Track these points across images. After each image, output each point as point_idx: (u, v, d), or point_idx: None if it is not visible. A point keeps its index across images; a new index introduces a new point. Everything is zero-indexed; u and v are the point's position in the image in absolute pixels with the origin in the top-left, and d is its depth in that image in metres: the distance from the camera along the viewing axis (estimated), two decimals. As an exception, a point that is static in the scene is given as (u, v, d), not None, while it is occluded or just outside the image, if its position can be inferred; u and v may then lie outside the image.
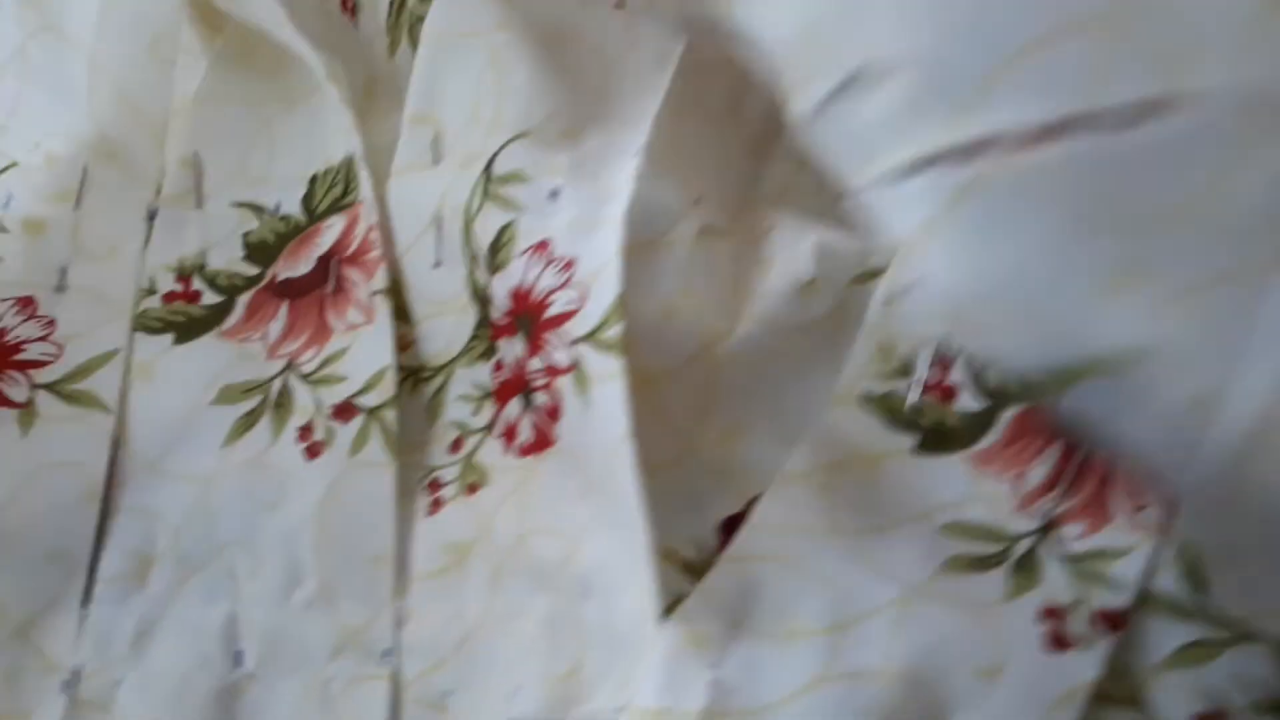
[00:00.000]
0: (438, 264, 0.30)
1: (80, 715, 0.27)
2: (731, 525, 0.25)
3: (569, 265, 0.25)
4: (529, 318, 0.26)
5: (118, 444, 0.29)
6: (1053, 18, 0.16)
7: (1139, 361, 0.16)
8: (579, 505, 0.26)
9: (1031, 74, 0.16)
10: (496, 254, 0.27)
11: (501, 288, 0.27)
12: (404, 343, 0.31)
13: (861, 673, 0.22)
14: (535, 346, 0.26)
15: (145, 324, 0.31)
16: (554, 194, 0.27)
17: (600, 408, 0.24)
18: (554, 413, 0.26)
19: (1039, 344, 0.17)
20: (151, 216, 0.32)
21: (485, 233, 0.28)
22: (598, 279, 0.24)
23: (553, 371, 0.26)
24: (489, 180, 0.28)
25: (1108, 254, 0.16)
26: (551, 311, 0.26)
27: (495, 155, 0.28)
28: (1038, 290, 0.16)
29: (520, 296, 0.27)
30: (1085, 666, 0.22)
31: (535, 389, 0.26)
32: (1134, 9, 0.16)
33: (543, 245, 0.26)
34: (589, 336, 0.24)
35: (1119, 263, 0.16)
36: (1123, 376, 0.16)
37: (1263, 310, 0.16)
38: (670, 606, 0.23)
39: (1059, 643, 0.22)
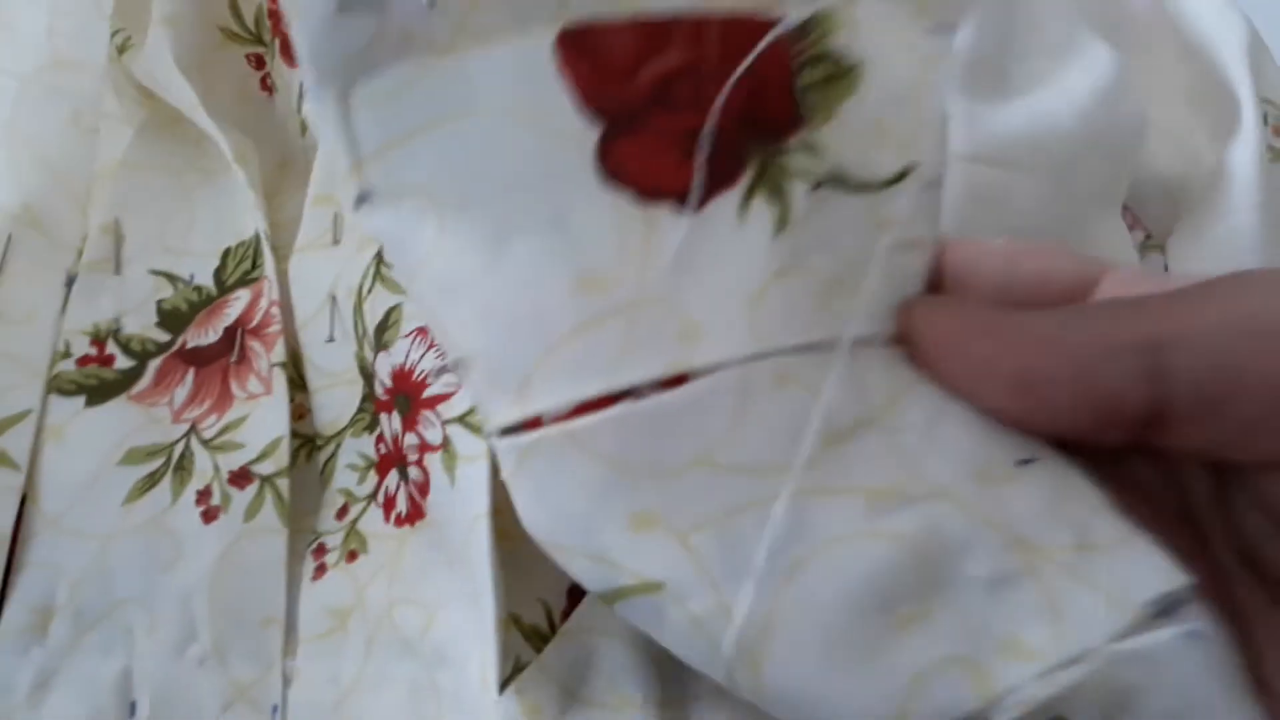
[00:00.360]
0: (330, 339, 0.32)
1: (-23, 762, 0.28)
2: (578, 593, 0.27)
3: None
4: (407, 396, 0.28)
5: (25, 501, 0.31)
6: (577, 318, 0.20)
7: (658, 589, 0.19)
8: (442, 576, 0.28)
9: (564, 364, 0.20)
10: (383, 334, 0.29)
11: (385, 366, 0.29)
12: (300, 411, 0.32)
13: None
14: (410, 423, 0.28)
15: (59, 386, 0.32)
16: None
17: (464, 485, 0.26)
18: (424, 488, 0.28)
19: (591, 572, 0.20)
20: (70, 282, 0.34)
21: (374, 313, 0.30)
22: None
23: (425, 448, 0.28)
24: (380, 263, 0.30)
25: (632, 501, 0.19)
26: (430, 392, 0.28)
27: None
28: (584, 530, 0.20)
29: (401, 376, 0.29)
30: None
31: (409, 464, 0.28)
32: (644, 302, 0.20)
33: (425, 329, 0.28)
34: (461, 418, 0.26)
35: (641, 508, 0.19)
36: (652, 599, 0.20)
37: (758, 539, 0.19)
38: (512, 674, 0.25)
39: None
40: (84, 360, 0.33)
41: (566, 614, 0.26)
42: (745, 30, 0.21)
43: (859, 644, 0.19)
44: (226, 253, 0.34)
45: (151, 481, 0.31)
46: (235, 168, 0.33)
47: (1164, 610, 0.20)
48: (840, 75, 0.22)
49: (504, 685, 0.24)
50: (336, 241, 0.33)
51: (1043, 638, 0.19)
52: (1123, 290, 0.23)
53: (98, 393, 0.32)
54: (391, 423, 0.29)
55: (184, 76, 0.34)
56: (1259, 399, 0.19)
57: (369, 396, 0.31)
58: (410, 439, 0.28)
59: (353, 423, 0.32)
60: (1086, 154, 0.35)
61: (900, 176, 0.22)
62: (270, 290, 0.32)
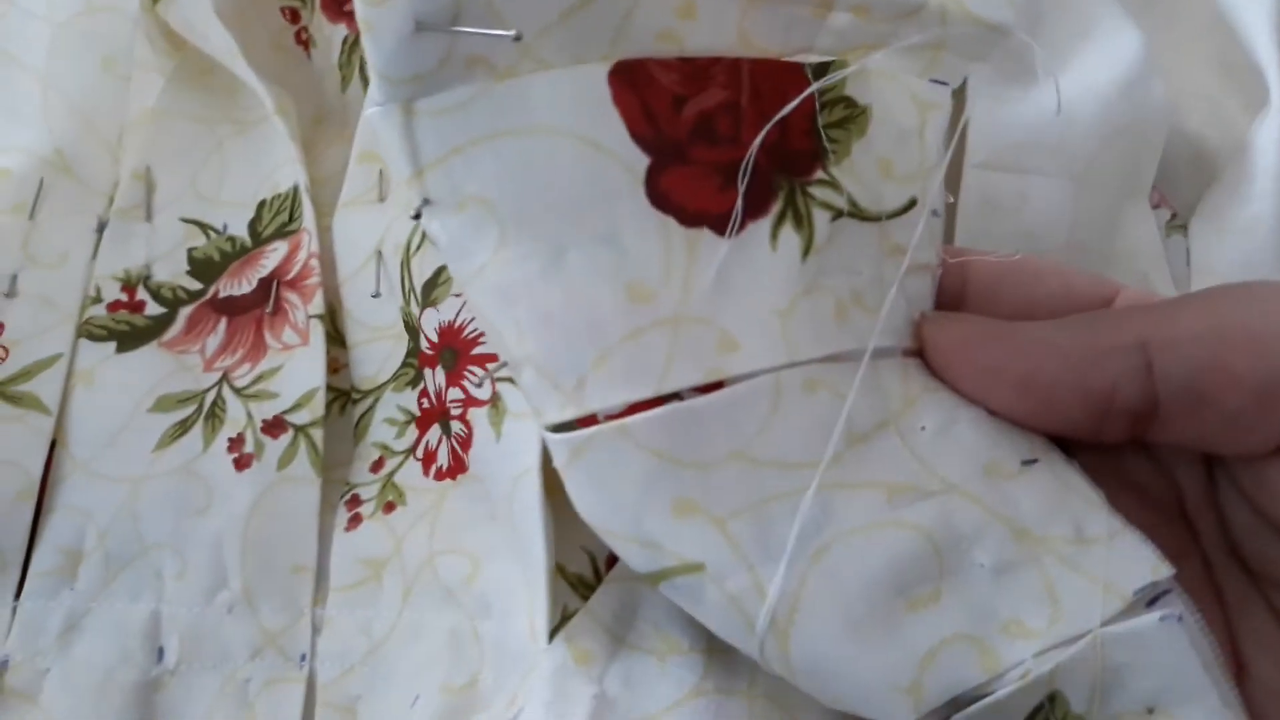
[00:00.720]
0: (377, 294, 0.32)
1: (7, 703, 0.28)
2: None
3: None
4: (454, 351, 0.28)
5: (55, 445, 0.31)
6: (628, 326, 0.22)
7: (699, 570, 0.22)
8: (486, 529, 0.28)
9: (616, 368, 0.22)
10: (431, 291, 0.29)
11: (431, 321, 0.29)
12: (335, 366, 0.33)
13: (731, 690, 0.25)
14: (456, 377, 0.28)
15: (90, 331, 0.32)
16: None
17: (511, 440, 0.26)
18: (466, 442, 0.28)
19: (639, 555, 0.22)
20: (101, 228, 0.34)
21: (422, 270, 0.30)
22: None
23: (470, 403, 0.28)
24: None
25: (675, 489, 0.22)
26: (480, 349, 0.28)
27: None
28: (633, 516, 0.22)
29: (449, 331, 0.29)
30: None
31: (452, 418, 0.28)
32: (688, 318, 0.22)
33: None
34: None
35: (683, 495, 0.22)
36: (693, 579, 0.22)
37: (789, 526, 0.22)
38: (559, 625, 0.25)
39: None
40: (114, 306, 0.33)
41: (611, 562, 0.26)
42: (775, 71, 0.23)
43: (877, 621, 0.21)
44: (262, 204, 0.34)
45: (183, 428, 0.31)
46: (275, 119, 0.33)
47: (1151, 598, 0.22)
48: (853, 117, 0.24)
49: (553, 634, 0.25)
50: (382, 198, 0.33)
51: (1042, 620, 0.22)
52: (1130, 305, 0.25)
53: (128, 338, 0.32)
54: (435, 377, 0.29)
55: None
56: (1237, 395, 0.22)
57: (413, 351, 0.31)
58: (454, 393, 0.28)
59: (395, 377, 0.32)
60: (1109, 147, 0.35)
61: (907, 208, 0.25)
62: (309, 243, 0.32)
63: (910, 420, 0.24)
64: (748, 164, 0.23)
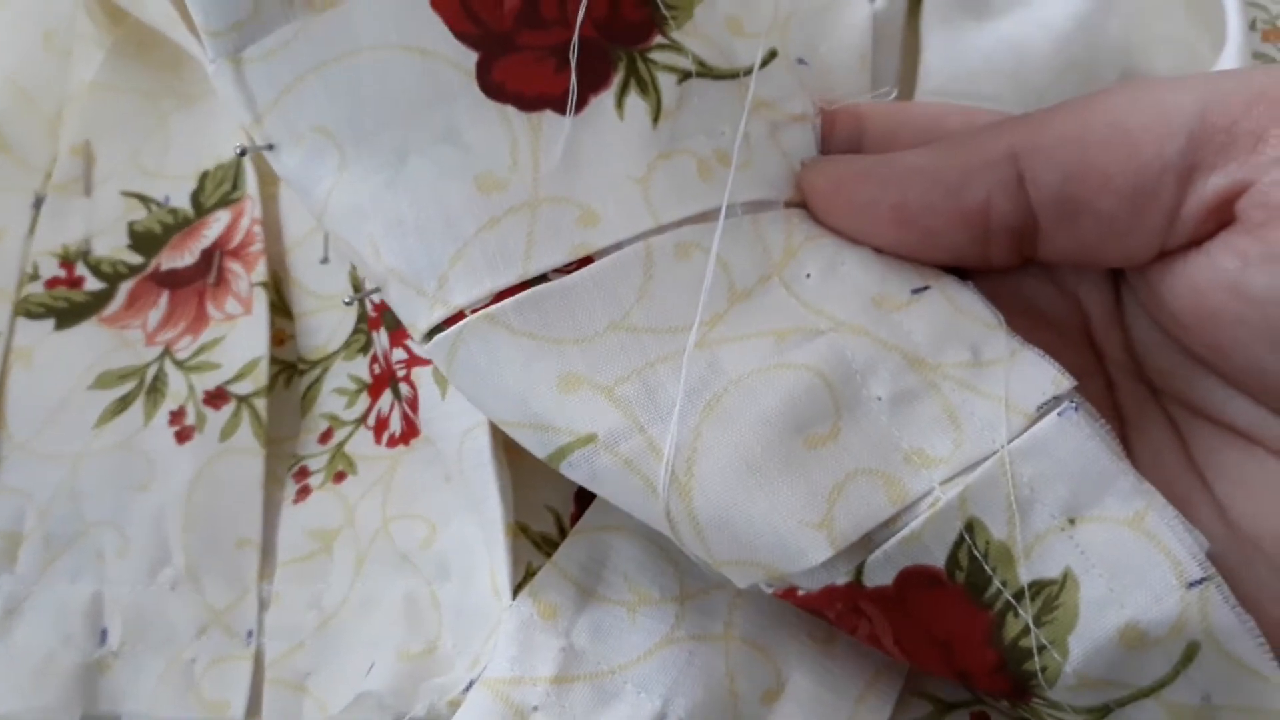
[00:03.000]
0: (324, 260, 0.32)
1: (-56, 691, 0.27)
2: (586, 496, 0.26)
3: None
4: (394, 312, 0.27)
5: (-7, 426, 0.30)
6: (482, 216, 0.22)
7: (591, 440, 0.21)
8: (441, 491, 0.27)
9: (476, 260, 0.22)
10: None
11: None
12: (280, 337, 0.32)
13: (705, 635, 0.24)
14: (398, 338, 0.27)
15: (27, 309, 0.31)
16: None
17: (456, 398, 0.25)
18: (414, 403, 0.27)
19: (534, 438, 0.22)
20: (38, 203, 0.33)
21: None
22: None
23: (414, 362, 0.27)
24: None
25: (557, 366, 0.21)
26: None
27: None
28: (519, 400, 0.21)
29: None
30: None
31: (399, 379, 0.27)
32: (543, 198, 0.22)
33: None
34: None
35: (566, 370, 0.21)
36: (587, 450, 0.21)
37: (676, 383, 0.21)
38: (523, 582, 0.24)
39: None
40: (52, 282, 0.32)
41: (575, 519, 0.25)
42: None
43: (777, 462, 0.21)
44: (204, 175, 0.33)
45: (123, 404, 0.30)
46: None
47: (1054, 411, 0.22)
48: None
49: (516, 591, 0.24)
50: None
51: (945, 446, 0.21)
52: None
53: (67, 315, 0.31)
54: (380, 339, 0.28)
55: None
56: (1110, 197, 0.21)
57: (364, 316, 0.30)
58: (399, 354, 0.27)
59: (346, 345, 0.31)
60: (1061, 80, 0.35)
61: (766, 61, 0.25)
62: (253, 209, 0.32)
63: (793, 270, 0.23)
64: (575, 43, 0.22)
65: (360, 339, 0.31)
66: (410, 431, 0.28)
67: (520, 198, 0.22)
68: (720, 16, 0.24)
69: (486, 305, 0.21)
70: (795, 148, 0.25)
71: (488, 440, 0.24)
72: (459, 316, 0.21)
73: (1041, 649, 0.21)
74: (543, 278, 0.22)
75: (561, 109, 0.22)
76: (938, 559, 0.21)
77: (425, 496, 0.28)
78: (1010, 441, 0.21)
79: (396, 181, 0.22)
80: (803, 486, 0.21)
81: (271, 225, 0.32)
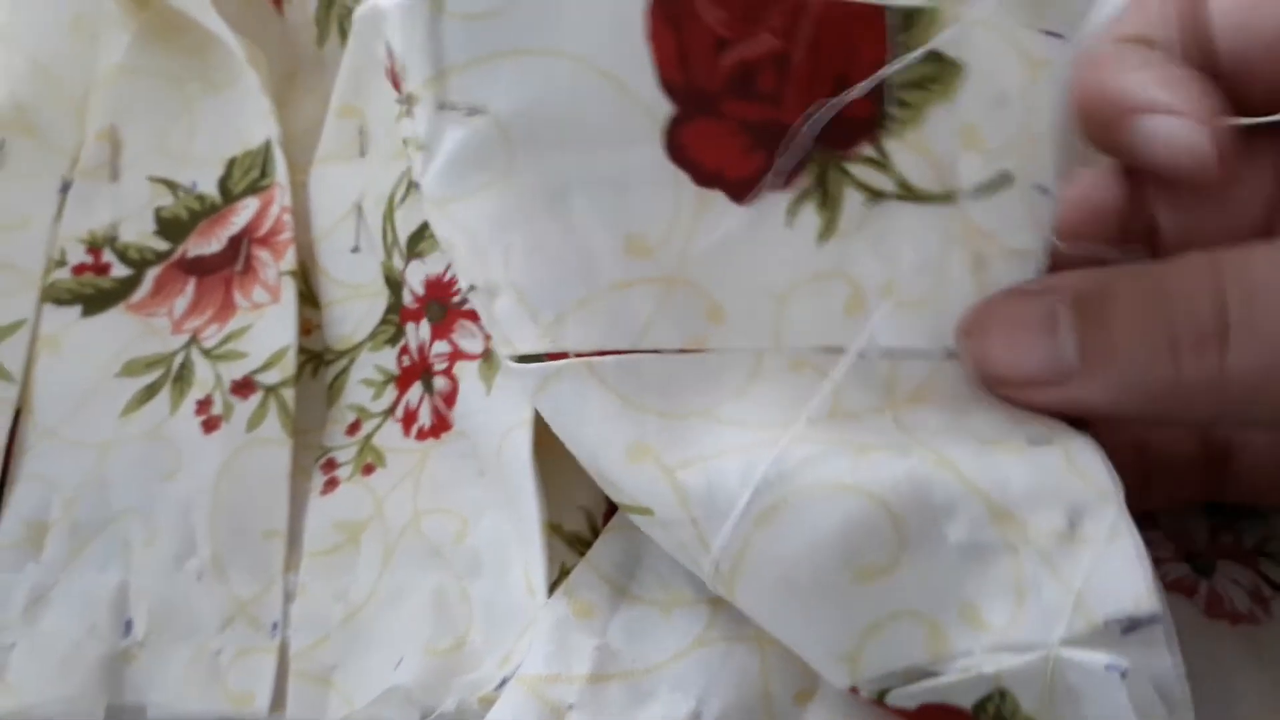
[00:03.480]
0: (355, 249, 0.31)
1: (-30, 679, 0.27)
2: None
3: None
4: (441, 304, 0.27)
5: (19, 413, 0.30)
6: (619, 276, 0.22)
7: (649, 513, 0.21)
8: (473, 486, 0.27)
9: (598, 314, 0.21)
10: (417, 243, 0.28)
11: (417, 274, 0.28)
12: (307, 327, 0.31)
13: (739, 636, 0.24)
14: (443, 330, 0.27)
15: (54, 295, 0.31)
16: None
17: (503, 394, 0.25)
18: (450, 397, 0.27)
19: (602, 484, 0.22)
20: (65, 189, 0.32)
21: (407, 223, 0.29)
22: None
23: (458, 356, 0.26)
24: None
25: (632, 433, 0.21)
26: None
27: None
28: (591, 453, 0.22)
29: (436, 284, 0.28)
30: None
31: (435, 373, 0.27)
32: (681, 280, 0.22)
33: None
34: None
35: (638, 439, 0.21)
36: (647, 520, 0.21)
37: (740, 484, 0.20)
38: (557, 580, 0.24)
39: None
40: (79, 269, 0.31)
41: (608, 518, 0.25)
42: (846, 17, 0.21)
43: (818, 591, 0.20)
44: (232, 161, 0.33)
45: (150, 393, 0.30)
46: (248, 70, 0.32)
47: (1127, 627, 0.20)
48: (939, 76, 0.22)
49: (552, 589, 0.24)
50: (363, 153, 0.31)
51: (1002, 616, 0.20)
52: None
53: (94, 302, 0.31)
54: (419, 331, 0.28)
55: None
56: None
57: (394, 307, 0.30)
58: (440, 347, 0.27)
59: (373, 335, 0.30)
60: None
61: (996, 185, 0.22)
62: (282, 197, 0.31)
63: (913, 414, 0.22)
64: (791, 137, 0.21)
65: (388, 330, 0.30)
66: (440, 425, 0.28)
67: (660, 271, 0.22)
68: (957, 124, 0.22)
69: (590, 355, 0.21)
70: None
71: (528, 440, 0.24)
72: (561, 355, 0.21)
73: None
74: (651, 352, 0.22)
75: (735, 194, 0.22)
76: (964, 703, 0.20)
77: (457, 491, 0.27)
78: (1067, 643, 0.20)
79: (554, 209, 0.21)
80: (838, 619, 0.20)
81: (300, 214, 0.32)
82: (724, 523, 0.20)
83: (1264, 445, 0.24)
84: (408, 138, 0.23)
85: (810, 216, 0.22)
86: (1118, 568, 0.20)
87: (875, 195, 0.22)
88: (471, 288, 0.22)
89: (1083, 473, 0.21)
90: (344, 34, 0.34)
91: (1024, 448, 0.21)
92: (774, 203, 0.22)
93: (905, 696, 0.20)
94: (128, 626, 0.27)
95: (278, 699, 0.27)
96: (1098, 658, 0.19)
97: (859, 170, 0.22)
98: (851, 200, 0.22)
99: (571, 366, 0.21)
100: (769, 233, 0.22)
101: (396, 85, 0.23)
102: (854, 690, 0.21)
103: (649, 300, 0.22)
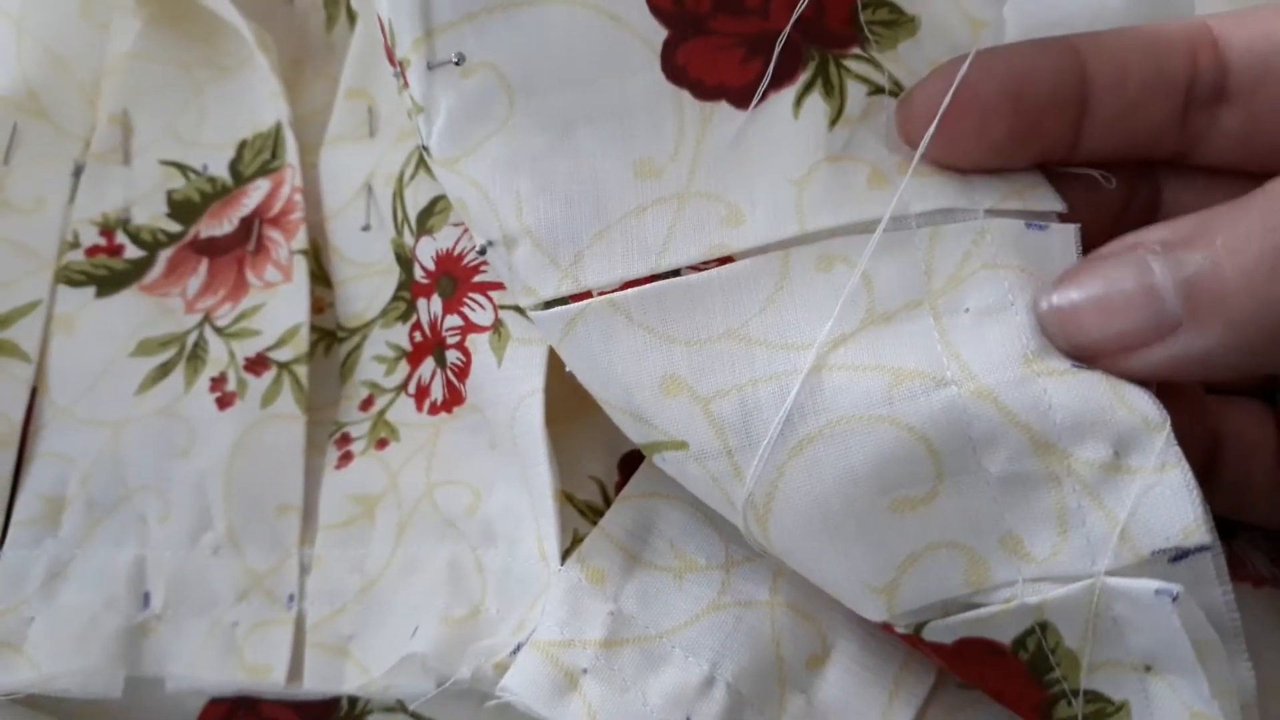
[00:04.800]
0: (366, 228, 0.32)
1: (-9, 653, 0.27)
2: (630, 465, 0.26)
3: None
4: (452, 278, 0.27)
5: (35, 392, 0.30)
6: (632, 202, 0.22)
7: (683, 447, 0.21)
8: (486, 459, 0.27)
9: (615, 244, 0.22)
10: (427, 220, 0.29)
11: (427, 250, 0.29)
12: (319, 305, 0.32)
13: (751, 601, 0.24)
14: (454, 304, 0.27)
15: (68, 277, 0.31)
16: None
17: (513, 366, 0.25)
18: (463, 371, 0.27)
19: (632, 427, 0.22)
20: (77, 172, 0.33)
21: (416, 200, 0.29)
22: None
23: (469, 329, 0.27)
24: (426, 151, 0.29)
25: (664, 367, 0.21)
26: (483, 278, 0.27)
27: None
28: (623, 390, 0.21)
29: (447, 259, 0.28)
30: None
31: (448, 346, 0.27)
32: (693, 193, 0.22)
33: None
34: (517, 306, 0.26)
35: (671, 372, 0.21)
36: (679, 454, 0.21)
37: (774, 410, 0.21)
38: (570, 548, 0.24)
39: None
40: (93, 250, 0.32)
41: (620, 488, 0.26)
42: None
43: (854, 522, 0.20)
44: (243, 144, 0.33)
45: (164, 371, 0.30)
46: (257, 54, 0.32)
47: (1174, 557, 0.20)
48: (900, 22, 0.23)
49: (565, 556, 0.24)
50: (372, 134, 0.32)
51: (1044, 547, 0.20)
52: None
53: (108, 283, 0.31)
54: (431, 306, 0.28)
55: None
56: None
57: (405, 284, 0.30)
58: (452, 320, 0.27)
59: (384, 313, 0.31)
60: None
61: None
62: (293, 177, 0.32)
63: (952, 300, 0.21)
64: (785, 34, 0.22)
65: (399, 306, 0.31)
66: (453, 399, 0.28)
67: (671, 189, 0.22)
68: (924, 57, 0.23)
69: (613, 290, 0.21)
70: None
71: (540, 408, 0.24)
72: (584, 295, 0.22)
73: None
74: (675, 272, 0.22)
75: (739, 102, 0.22)
76: (1004, 637, 0.20)
77: (469, 464, 0.28)
78: (1112, 573, 0.20)
79: (559, 147, 0.22)
80: (875, 551, 0.20)
81: (311, 194, 0.32)
82: (759, 452, 0.21)
83: None
84: (409, 107, 0.23)
85: (817, 104, 0.22)
86: (1167, 499, 0.20)
87: (875, 88, 0.23)
88: (488, 244, 0.23)
89: (1129, 403, 0.20)
90: (352, 18, 0.34)
91: (1069, 369, 0.20)
92: (779, 100, 0.22)
93: (943, 629, 0.21)
94: (145, 600, 0.28)
95: (294, 670, 0.27)
96: (1147, 584, 0.19)
97: (856, 65, 0.23)
98: (854, 91, 0.23)
99: (594, 306, 0.21)
100: (778, 127, 0.22)
101: (391, 59, 0.23)
102: (887, 628, 0.21)
103: (664, 219, 0.22)
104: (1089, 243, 0.22)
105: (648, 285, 0.21)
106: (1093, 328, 0.21)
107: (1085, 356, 0.21)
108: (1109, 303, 0.20)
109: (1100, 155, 0.23)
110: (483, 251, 0.23)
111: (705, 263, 0.22)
